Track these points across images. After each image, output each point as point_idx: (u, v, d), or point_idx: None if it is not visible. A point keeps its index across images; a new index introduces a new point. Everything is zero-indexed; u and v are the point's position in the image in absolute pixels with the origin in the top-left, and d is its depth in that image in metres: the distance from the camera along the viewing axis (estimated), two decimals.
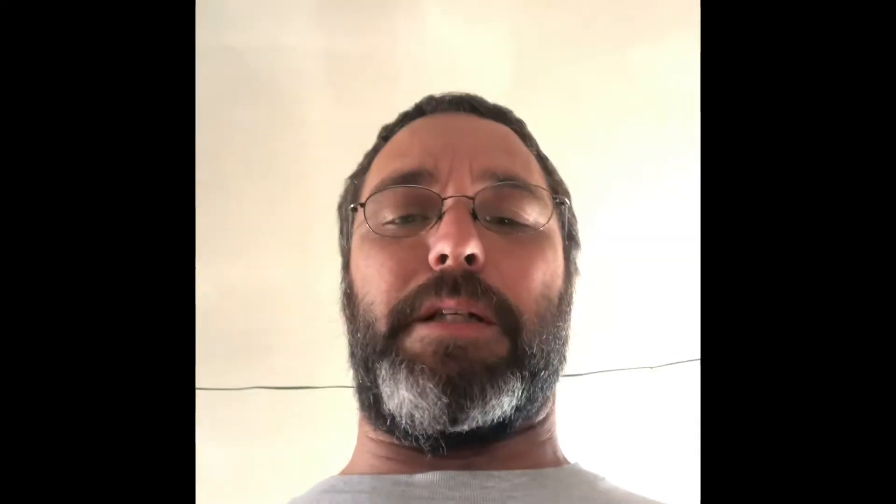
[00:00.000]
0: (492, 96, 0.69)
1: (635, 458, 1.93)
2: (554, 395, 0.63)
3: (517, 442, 0.59)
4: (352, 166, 0.71)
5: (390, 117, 0.70)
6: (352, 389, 0.62)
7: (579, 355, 0.65)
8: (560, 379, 0.62)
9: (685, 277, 1.58)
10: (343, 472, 0.63)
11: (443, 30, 1.28)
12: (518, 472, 0.57)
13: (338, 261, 0.68)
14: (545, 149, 0.70)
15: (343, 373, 0.62)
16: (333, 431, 1.55)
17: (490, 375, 0.54)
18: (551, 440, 0.62)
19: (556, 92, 1.34)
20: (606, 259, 0.63)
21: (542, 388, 0.58)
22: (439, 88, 0.70)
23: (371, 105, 1.34)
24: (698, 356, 0.44)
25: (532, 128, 0.71)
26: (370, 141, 0.71)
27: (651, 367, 1.86)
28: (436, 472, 0.56)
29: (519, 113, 0.70)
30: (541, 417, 0.61)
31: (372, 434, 0.60)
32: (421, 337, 0.54)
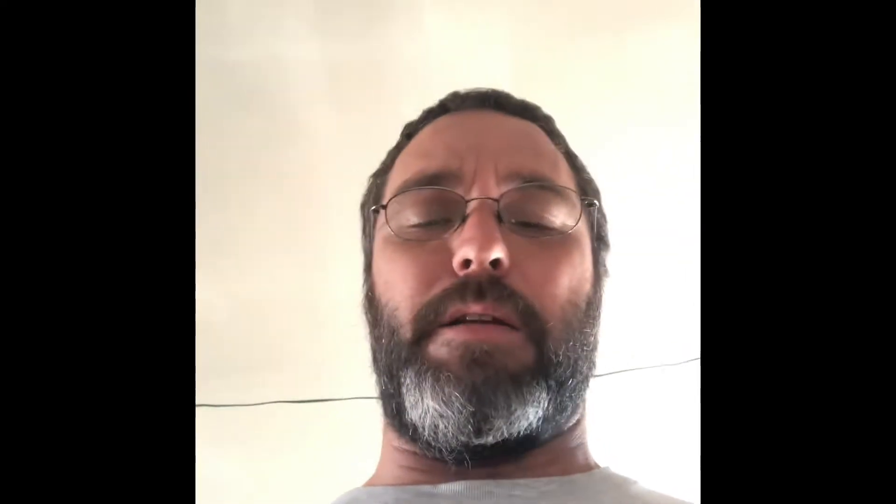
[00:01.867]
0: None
1: (645, 458, 1.92)
2: (584, 401, 0.61)
3: (546, 450, 0.57)
4: (357, 175, 0.70)
5: (393, 123, 0.70)
6: (367, 400, 0.61)
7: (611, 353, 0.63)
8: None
9: (686, 276, 1.56)
10: (368, 483, 0.62)
11: (441, 34, 1.27)
12: (546, 479, 0.55)
13: (346, 269, 0.68)
14: None
15: (358, 384, 0.61)
16: (350, 443, 1.55)
17: (515, 385, 0.52)
18: (582, 446, 0.61)
19: (555, 97, 1.33)
20: (613, 256, 0.63)
21: (570, 396, 0.56)
22: (440, 93, 0.69)
23: (372, 112, 1.35)
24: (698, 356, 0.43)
25: None
26: (373, 147, 0.70)
27: (661, 367, 1.85)
28: (460, 482, 0.54)
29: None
30: (570, 424, 0.59)
31: (396, 442, 0.59)
32: (447, 341, 0.53)
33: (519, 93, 0.68)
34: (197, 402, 0.48)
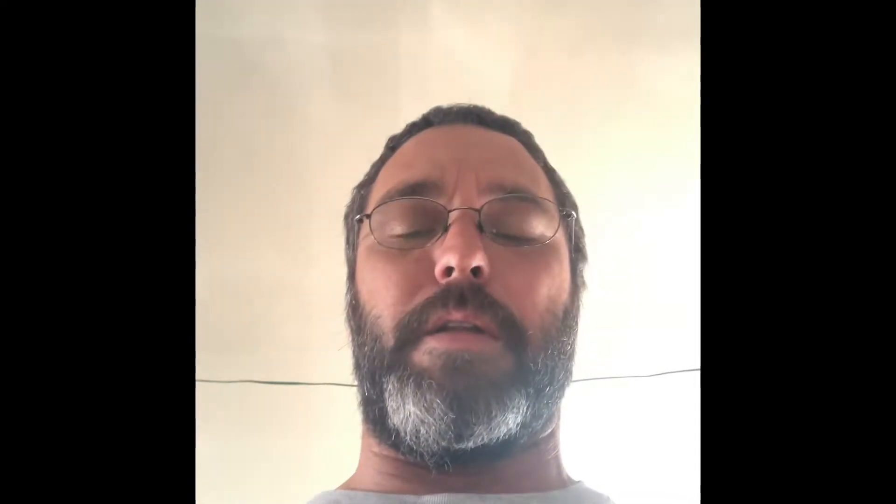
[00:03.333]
0: (493, 95, 0.69)
1: (636, 469, 1.93)
2: (559, 411, 0.62)
3: (522, 460, 0.58)
4: (351, 162, 0.70)
5: (391, 114, 0.70)
6: (344, 387, 0.62)
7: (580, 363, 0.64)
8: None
9: (685, 285, 1.57)
10: (345, 486, 0.62)
11: (445, 27, 1.27)
12: (527, 494, 0.56)
13: (333, 256, 0.68)
14: (546, 150, 0.69)
15: (335, 370, 0.61)
16: (324, 428, 1.55)
17: (495, 392, 0.53)
18: (556, 458, 0.62)
19: (558, 91, 1.34)
20: (605, 264, 0.63)
21: (546, 403, 0.57)
22: (440, 88, 0.69)
23: (372, 101, 1.35)
24: (698, 366, 0.44)
25: (533, 127, 0.70)
26: (370, 137, 0.70)
27: (649, 376, 1.86)
28: (443, 495, 0.55)
29: (521, 111, 0.70)
30: (545, 433, 0.60)
31: (376, 448, 0.60)
32: (429, 349, 0.54)
33: (521, 88, 0.69)
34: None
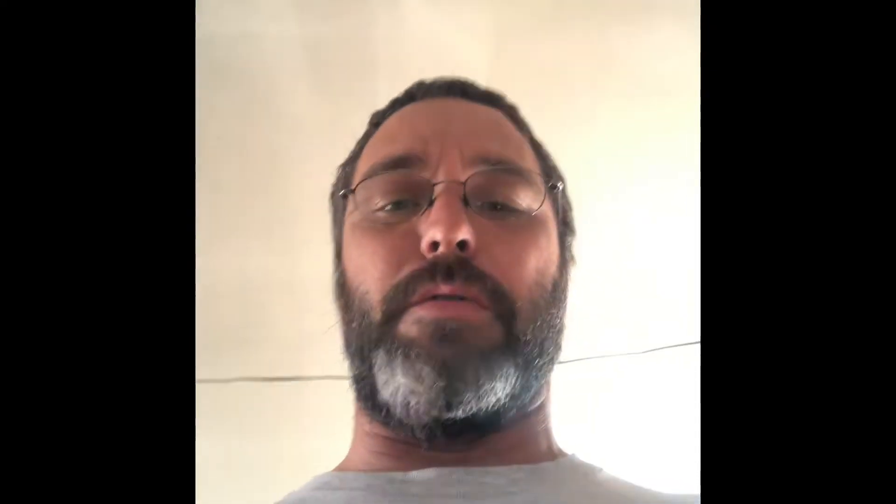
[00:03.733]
0: (472, 77, 0.68)
1: (634, 444, 1.94)
2: (548, 384, 0.63)
3: (512, 433, 0.58)
4: (334, 153, 0.70)
5: (370, 103, 0.70)
6: (340, 381, 0.62)
7: (576, 341, 0.64)
8: (556, 366, 0.62)
9: (680, 261, 1.58)
10: (338, 468, 0.62)
11: (421, 13, 1.27)
12: (515, 467, 0.56)
13: (323, 250, 0.68)
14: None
15: (331, 364, 0.61)
16: (321, 423, 1.55)
17: (484, 360, 0.53)
18: (546, 431, 0.62)
19: (538, 74, 1.33)
20: (593, 243, 0.63)
21: (536, 376, 0.58)
22: (418, 73, 0.69)
23: (351, 91, 1.34)
24: (698, 339, 0.43)
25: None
26: (351, 127, 0.70)
27: (647, 352, 1.86)
28: (431, 469, 0.55)
29: (499, 90, 0.69)
30: (535, 406, 0.61)
31: (367, 427, 0.60)
32: (417, 318, 0.54)
33: (496, 76, 0.69)
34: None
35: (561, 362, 0.62)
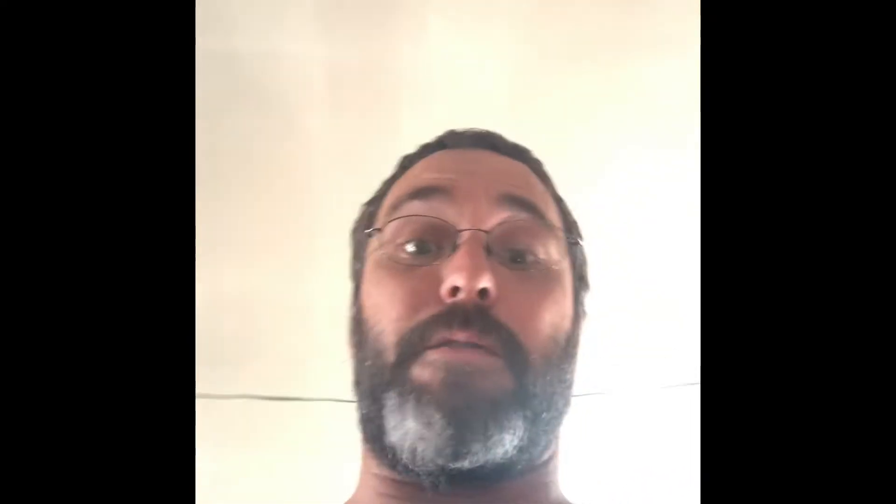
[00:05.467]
0: (494, 106, 0.69)
1: (636, 483, 1.92)
2: (557, 438, 0.62)
3: (519, 483, 0.57)
4: (351, 178, 0.70)
5: (391, 126, 0.70)
6: (339, 404, 0.62)
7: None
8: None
9: (685, 297, 1.57)
10: None
11: (444, 39, 1.28)
12: None
13: (332, 271, 0.68)
14: (545, 159, 0.69)
15: (335, 385, 0.61)
16: (324, 443, 1.54)
17: (493, 410, 0.53)
18: (554, 483, 0.61)
19: (557, 100, 1.34)
20: (604, 276, 0.63)
21: (544, 430, 0.57)
22: (441, 101, 0.69)
23: (372, 114, 1.34)
24: (697, 380, 0.43)
25: (533, 140, 0.70)
26: (371, 150, 0.70)
27: (648, 390, 1.85)
28: None
29: (521, 120, 0.70)
30: (544, 459, 0.60)
31: (375, 469, 0.59)
32: (430, 361, 0.54)
33: (517, 105, 0.69)
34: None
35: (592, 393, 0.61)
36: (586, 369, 0.63)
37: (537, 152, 0.70)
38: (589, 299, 0.67)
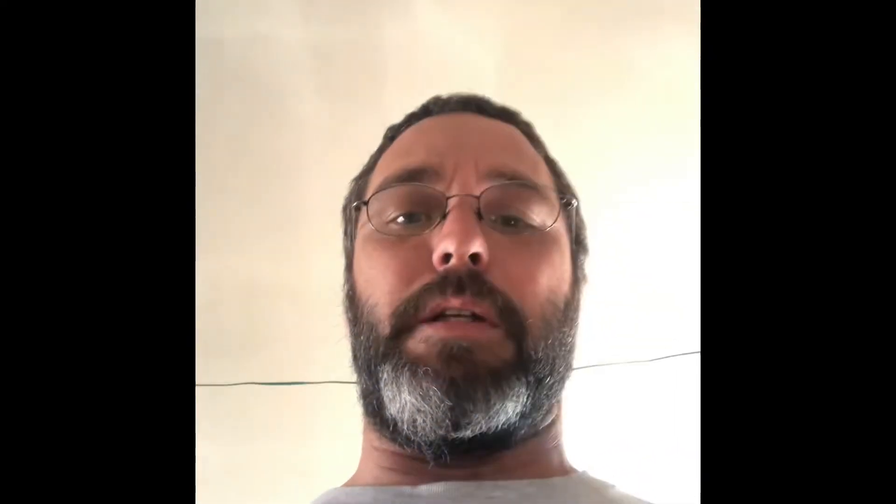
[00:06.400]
0: (480, 85, 0.68)
1: (635, 456, 1.93)
2: (560, 402, 0.62)
3: (523, 450, 0.57)
4: (343, 160, 0.70)
5: (378, 108, 0.69)
6: (345, 385, 0.62)
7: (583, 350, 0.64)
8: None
9: (683, 271, 1.57)
10: (347, 483, 0.62)
11: (431, 20, 1.27)
12: (525, 481, 0.55)
13: (330, 255, 0.67)
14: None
15: (337, 369, 0.61)
16: (329, 427, 1.55)
17: (494, 379, 0.52)
18: (557, 448, 0.61)
19: (546, 83, 1.33)
20: (602, 253, 0.63)
21: (547, 394, 0.57)
22: (427, 79, 0.69)
23: (360, 96, 1.34)
24: (698, 349, 0.43)
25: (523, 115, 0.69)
26: (360, 133, 0.70)
27: (648, 361, 1.86)
28: (440, 484, 0.54)
29: (509, 100, 0.69)
30: (546, 424, 0.60)
31: (376, 442, 0.59)
32: (425, 337, 0.53)
33: (505, 83, 0.69)
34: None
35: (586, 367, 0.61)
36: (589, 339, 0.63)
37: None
38: (588, 263, 0.66)
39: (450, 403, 0.51)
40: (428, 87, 0.70)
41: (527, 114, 0.69)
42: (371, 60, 1.31)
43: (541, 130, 0.69)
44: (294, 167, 1.50)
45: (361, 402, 0.60)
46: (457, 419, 0.51)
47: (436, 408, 0.51)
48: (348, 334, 0.61)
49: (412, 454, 0.55)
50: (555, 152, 0.69)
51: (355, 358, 0.60)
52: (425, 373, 0.52)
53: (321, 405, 1.75)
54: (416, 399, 0.52)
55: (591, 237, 0.67)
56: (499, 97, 0.69)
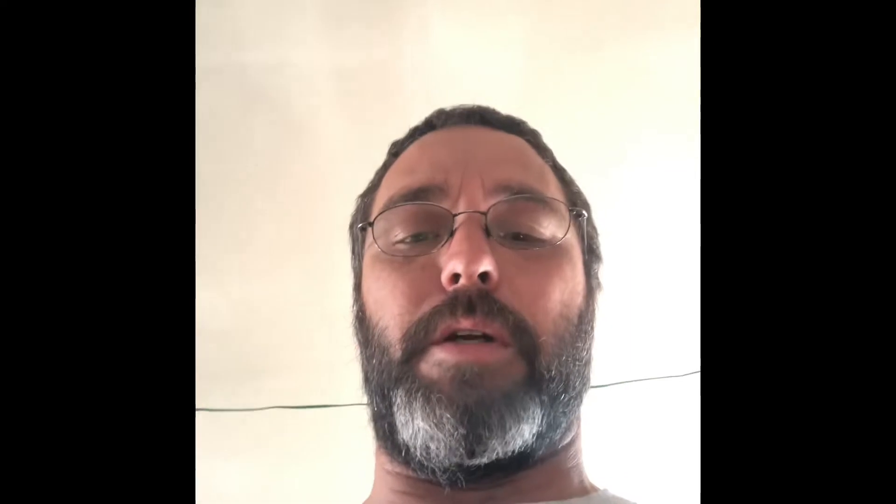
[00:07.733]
0: (502, 104, 0.68)
1: (642, 472, 1.91)
2: (578, 419, 0.60)
3: (541, 470, 0.56)
4: (362, 181, 0.70)
5: (399, 130, 0.69)
6: (367, 407, 0.61)
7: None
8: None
9: (688, 287, 1.56)
10: None
11: (449, 42, 1.27)
12: (543, 503, 0.54)
13: (348, 276, 0.67)
14: (557, 150, 0.68)
15: (358, 391, 0.61)
16: (350, 450, 1.55)
17: (508, 403, 0.51)
18: (577, 466, 0.60)
19: (563, 103, 1.33)
20: (613, 266, 0.62)
21: (563, 412, 0.56)
22: (447, 100, 0.69)
23: (379, 119, 1.34)
24: (697, 369, 0.43)
25: (544, 129, 0.68)
26: (379, 155, 0.70)
27: (681, 376, 1.84)
28: None
29: (531, 117, 0.69)
30: (565, 443, 0.59)
31: (388, 466, 0.58)
32: (438, 361, 0.52)
33: (525, 102, 0.68)
34: (196, 406, 0.48)
35: (595, 386, 0.60)
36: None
37: (549, 140, 0.68)
38: (609, 270, 0.65)
39: (464, 431, 0.50)
40: (448, 105, 0.69)
41: (543, 129, 0.69)
42: (391, 83, 1.32)
43: (556, 144, 0.69)
44: (319, 188, 1.50)
45: (373, 425, 0.59)
46: (471, 446, 0.50)
47: (449, 435, 0.50)
48: (358, 356, 0.60)
49: (426, 478, 0.54)
50: (571, 161, 0.68)
51: (367, 380, 0.59)
52: (438, 399, 0.51)
53: (348, 426, 1.75)
54: (430, 426, 0.51)
55: (608, 246, 0.66)
56: (519, 113, 0.69)
